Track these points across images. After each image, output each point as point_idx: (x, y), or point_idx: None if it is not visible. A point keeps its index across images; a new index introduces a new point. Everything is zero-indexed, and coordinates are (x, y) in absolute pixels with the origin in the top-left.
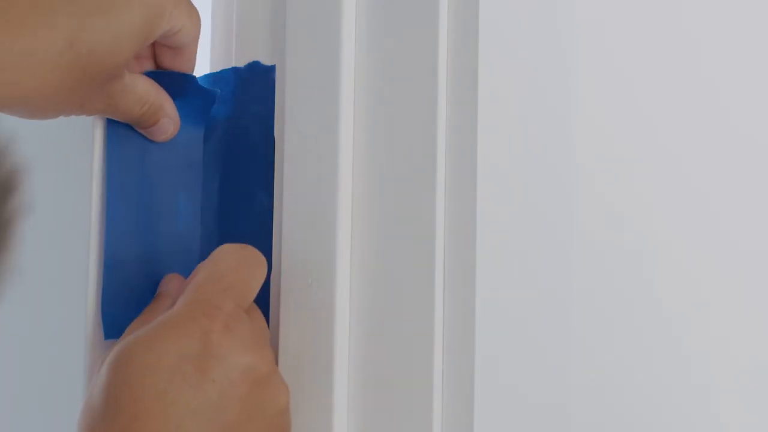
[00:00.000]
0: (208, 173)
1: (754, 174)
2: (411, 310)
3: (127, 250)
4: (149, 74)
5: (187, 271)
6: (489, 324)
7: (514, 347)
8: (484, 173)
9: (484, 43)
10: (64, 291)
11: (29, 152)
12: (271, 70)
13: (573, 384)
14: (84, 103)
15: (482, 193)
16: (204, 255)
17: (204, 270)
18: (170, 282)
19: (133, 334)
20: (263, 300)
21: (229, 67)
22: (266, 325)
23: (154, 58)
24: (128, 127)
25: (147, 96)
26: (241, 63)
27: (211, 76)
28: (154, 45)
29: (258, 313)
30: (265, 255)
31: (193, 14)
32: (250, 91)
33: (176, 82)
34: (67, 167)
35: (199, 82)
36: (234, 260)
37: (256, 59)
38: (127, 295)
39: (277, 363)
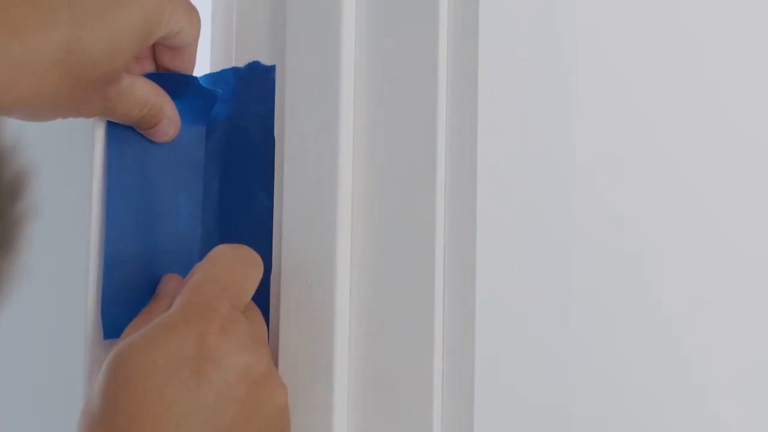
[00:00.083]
0: (208, 173)
1: (754, 174)
2: (411, 310)
3: (127, 250)
4: (150, 76)
5: (187, 271)
6: (489, 324)
7: (514, 347)
8: (484, 173)
9: (484, 43)
10: (65, 291)
11: (33, 153)
12: (271, 70)
13: (573, 384)
14: (81, 106)
15: (482, 193)
16: (204, 255)
17: (200, 271)
18: (168, 282)
19: (130, 336)
20: (263, 300)
21: (229, 67)
22: (264, 324)
23: (154, 58)
24: (129, 127)
25: (146, 99)
26: (241, 63)
27: (211, 76)
28: (154, 46)
29: (256, 313)
30: (265, 255)
31: (193, 15)
32: (250, 91)
33: (177, 83)
34: (68, 167)
35: (200, 82)
36: (229, 261)
37: (256, 59)
38: (127, 295)
39: (277, 363)
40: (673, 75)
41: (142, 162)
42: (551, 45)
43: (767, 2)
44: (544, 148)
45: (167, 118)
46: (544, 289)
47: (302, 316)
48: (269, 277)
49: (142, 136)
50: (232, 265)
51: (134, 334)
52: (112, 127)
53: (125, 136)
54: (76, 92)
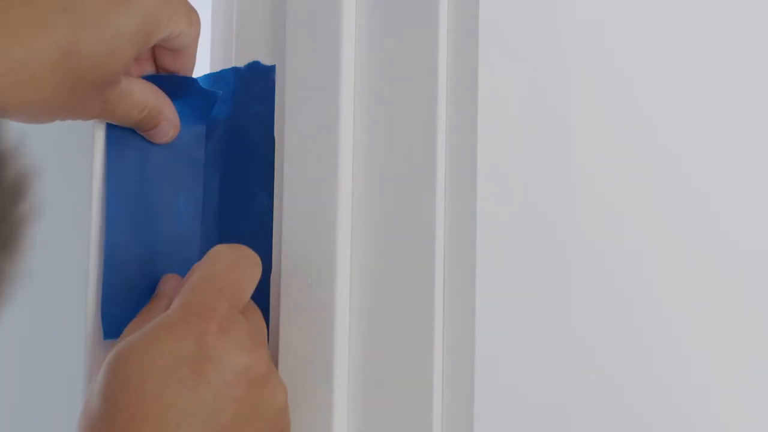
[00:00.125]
0: (208, 173)
1: (754, 174)
2: (411, 310)
3: (127, 251)
4: (149, 78)
5: (187, 271)
6: (489, 324)
7: (514, 347)
8: (484, 173)
9: (484, 43)
10: (65, 291)
11: (35, 154)
12: (271, 70)
13: (573, 384)
14: (80, 108)
15: (482, 193)
16: (204, 255)
17: (198, 271)
18: (167, 282)
19: (130, 336)
20: (263, 300)
21: (229, 67)
22: (264, 324)
23: (154, 59)
24: (129, 128)
25: (145, 102)
26: (241, 63)
27: (211, 76)
28: (153, 47)
29: (255, 313)
30: (265, 255)
31: (192, 18)
32: (250, 91)
33: (176, 85)
34: (69, 168)
35: (200, 83)
36: (228, 260)
37: (256, 59)
38: (127, 296)
39: (276, 363)
40: (673, 75)
41: (141, 162)
42: (551, 45)
43: (767, 2)
44: (544, 148)
45: (166, 120)
46: (544, 289)
47: (302, 316)
48: (269, 277)
49: (142, 136)
50: (230, 264)
51: (133, 334)
52: (111, 128)
53: (125, 137)
54: (74, 94)
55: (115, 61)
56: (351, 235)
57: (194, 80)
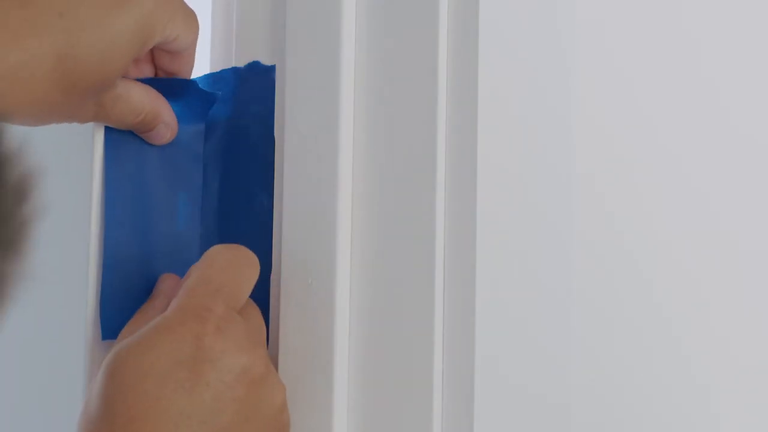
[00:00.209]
0: (208, 173)
1: (754, 174)
2: (411, 310)
3: (127, 251)
4: (147, 81)
5: (186, 271)
6: (489, 324)
7: (514, 347)
8: (484, 173)
9: (484, 43)
10: (65, 292)
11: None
12: (271, 70)
13: (573, 384)
14: (75, 112)
15: (482, 193)
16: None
17: (195, 272)
18: (164, 282)
19: (128, 338)
20: (263, 300)
21: (229, 67)
22: (263, 323)
23: (153, 60)
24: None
25: (142, 106)
26: (241, 63)
27: (211, 76)
28: (152, 49)
29: (254, 312)
30: (265, 255)
31: (190, 21)
32: (250, 91)
33: (175, 86)
34: (70, 169)
35: (199, 83)
36: (225, 261)
37: (256, 59)
38: (127, 296)
39: (277, 363)
40: (673, 75)
41: (141, 163)
42: (551, 45)
43: (767, 2)
44: (544, 148)
45: (163, 123)
46: (544, 289)
47: (302, 316)
48: (269, 277)
49: (141, 137)
50: (227, 265)
51: (131, 336)
52: (110, 129)
53: (124, 137)
54: (69, 99)
55: (110, 66)
56: (351, 235)
57: (193, 82)
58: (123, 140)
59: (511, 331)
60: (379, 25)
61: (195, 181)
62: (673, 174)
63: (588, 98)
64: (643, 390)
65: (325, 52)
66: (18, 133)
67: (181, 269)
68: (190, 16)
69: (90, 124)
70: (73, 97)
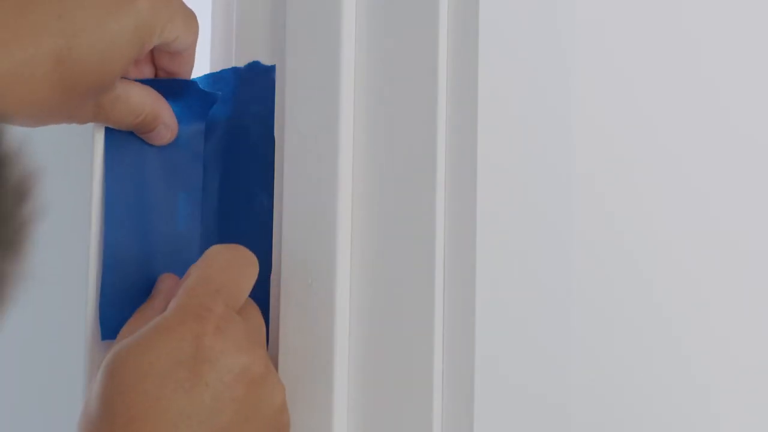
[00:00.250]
0: (208, 173)
1: (754, 174)
2: (411, 310)
3: (127, 251)
4: (147, 82)
5: (186, 271)
6: (489, 324)
7: (514, 347)
8: (484, 173)
9: (484, 43)
10: (65, 292)
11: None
12: (271, 70)
13: (573, 384)
14: (74, 113)
15: (482, 193)
16: None
17: (194, 272)
18: (164, 282)
19: (127, 338)
20: (263, 300)
21: (229, 67)
22: (263, 323)
23: (153, 60)
24: None
25: (141, 107)
26: (241, 63)
27: (211, 76)
28: (152, 49)
29: (254, 312)
30: (265, 255)
31: (189, 21)
32: (250, 91)
33: (175, 86)
34: (70, 169)
35: (199, 83)
36: (224, 261)
37: (256, 59)
38: (127, 296)
39: (276, 363)
40: (673, 75)
41: (141, 163)
42: (551, 45)
43: (767, 2)
44: (544, 148)
45: (163, 124)
46: (544, 289)
47: (302, 316)
48: (269, 277)
49: (141, 138)
50: (227, 265)
51: (130, 336)
52: (110, 129)
53: (124, 138)
54: (68, 101)
55: (109, 69)
56: (351, 235)
57: (193, 82)
58: (123, 141)
59: (511, 331)
60: (379, 25)
61: (195, 181)
62: (673, 174)
63: (588, 98)
64: (643, 390)
65: (325, 52)
66: (18, 133)
67: (181, 269)
68: (190, 17)
69: (90, 125)
70: (73, 98)
